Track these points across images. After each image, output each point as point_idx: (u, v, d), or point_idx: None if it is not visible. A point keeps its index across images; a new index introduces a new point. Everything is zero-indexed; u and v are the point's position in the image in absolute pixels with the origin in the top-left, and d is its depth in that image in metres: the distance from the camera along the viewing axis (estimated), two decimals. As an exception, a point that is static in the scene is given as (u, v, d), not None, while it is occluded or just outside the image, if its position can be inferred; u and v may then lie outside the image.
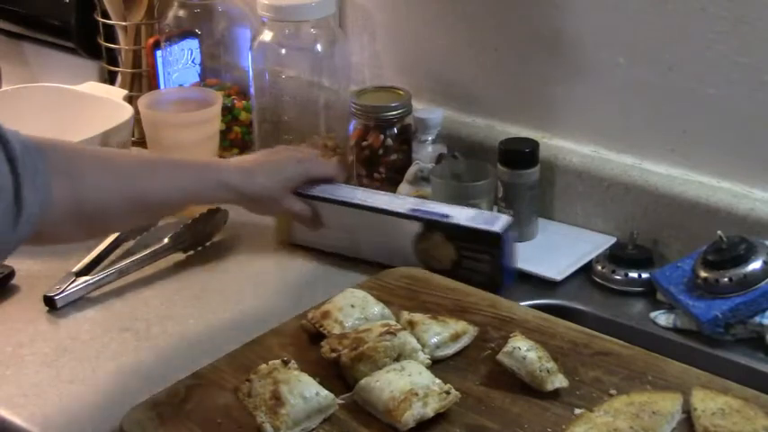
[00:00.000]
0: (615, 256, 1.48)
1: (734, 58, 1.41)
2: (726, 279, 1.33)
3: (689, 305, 1.35)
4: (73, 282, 1.45)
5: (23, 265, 1.52)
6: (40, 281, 1.49)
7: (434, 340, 1.25)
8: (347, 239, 1.50)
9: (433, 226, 1.43)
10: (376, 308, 1.31)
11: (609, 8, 1.50)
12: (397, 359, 1.21)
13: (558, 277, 1.47)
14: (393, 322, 1.27)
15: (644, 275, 1.45)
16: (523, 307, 1.36)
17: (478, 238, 1.41)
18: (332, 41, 1.69)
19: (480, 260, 1.42)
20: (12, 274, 1.49)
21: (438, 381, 1.17)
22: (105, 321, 1.41)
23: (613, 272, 1.46)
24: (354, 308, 1.29)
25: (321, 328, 1.28)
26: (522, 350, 1.19)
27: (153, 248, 1.52)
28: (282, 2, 1.64)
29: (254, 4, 1.69)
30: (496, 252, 1.41)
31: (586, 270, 1.49)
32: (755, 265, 1.33)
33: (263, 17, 1.67)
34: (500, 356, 1.20)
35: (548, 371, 1.18)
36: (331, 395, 1.16)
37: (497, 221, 1.42)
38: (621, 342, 1.27)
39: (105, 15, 1.85)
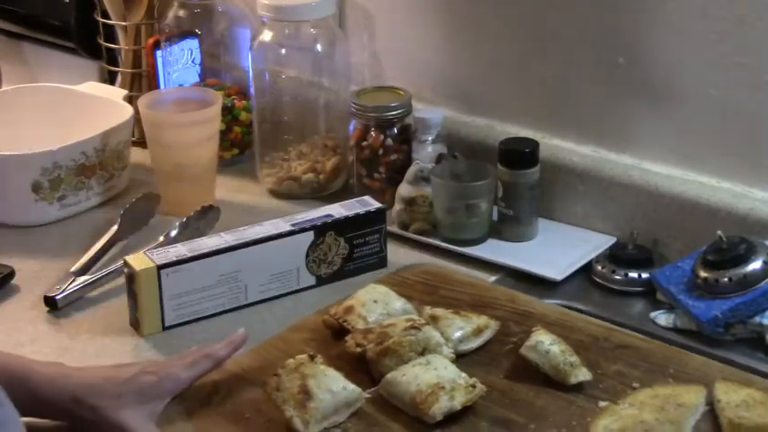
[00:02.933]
0: (615, 256, 1.48)
1: (734, 58, 1.41)
2: (726, 279, 1.33)
3: (689, 305, 1.35)
4: (72, 281, 1.45)
5: (23, 265, 1.52)
6: (40, 281, 1.49)
7: (458, 335, 1.27)
8: (229, 291, 1.41)
9: (326, 228, 1.45)
10: (398, 303, 1.33)
11: (609, 8, 1.50)
12: (422, 353, 1.23)
13: (558, 277, 1.47)
14: (417, 317, 1.29)
15: (644, 275, 1.45)
16: (542, 302, 1.38)
17: (368, 221, 1.47)
18: (332, 41, 1.69)
19: (371, 242, 1.48)
20: (12, 274, 1.49)
21: (464, 375, 1.19)
22: (105, 321, 1.41)
23: (613, 272, 1.46)
24: (377, 303, 1.32)
25: (345, 324, 1.30)
26: (546, 344, 1.21)
27: (148, 247, 1.52)
28: (282, 2, 1.64)
29: (254, 4, 1.69)
30: (383, 227, 1.48)
31: (586, 270, 1.49)
32: (755, 265, 1.33)
33: (263, 17, 1.67)
34: (523, 350, 1.22)
35: (571, 364, 1.20)
36: (358, 389, 1.18)
37: (368, 201, 1.49)
38: (640, 335, 1.30)
39: (105, 15, 1.85)
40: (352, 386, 1.17)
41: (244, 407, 1.19)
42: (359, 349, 1.24)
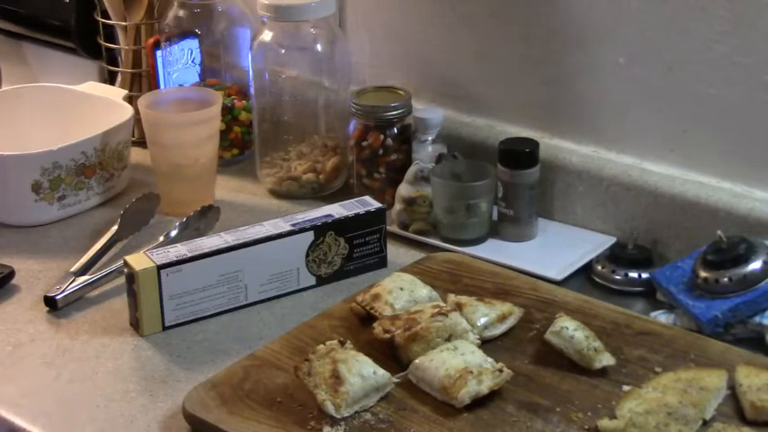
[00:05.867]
0: (615, 256, 1.48)
1: (734, 58, 1.41)
2: (726, 279, 1.33)
3: (689, 305, 1.35)
4: (72, 282, 1.45)
5: (23, 265, 1.52)
6: (40, 281, 1.49)
7: (482, 321, 1.30)
8: (229, 291, 1.40)
9: (326, 228, 1.45)
10: (424, 290, 1.35)
11: (609, 8, 1.49)
12: (448, 339, 1.25)
13: (558, 277, 1.47)
14: (443, 304, 1.31)
15: (644, 275, 1.45)
16: (563, 289, 1.41)
17: (368, 221, 1.48)
18: (332, 41, 1.69)
19: (371, 242, 1.48)
20: (12, 274, 1.49)
21: (490, 360, 1.22)
22: (105, 321, 1.41)
23: (613, 272, 1.46)
24: (403, 290, 1.34)
25: (372, 310, 1.32)
26: (570, 330, 1.24)
27: (148, 247, 1.52)
28: (282, 2, 1.64)
29: (254, 4, 1.69)
30: (383, 227, 1.49)
31: (586, 270, 1.49)
32: (755, 265, 1.33)
33: (263, 17, 1.67)
34: (548, 336, 1.25)
35: (595, 349, 1.23)
36: (387, 374, 1.20)
37: (368, 201, 1.50)
38: (661, 322, 1.32)
39: (105, 15, 1.85)
40: (381, 371, 1.20)
41: (275, 392, 1.22)
42: (387, 335, 1.26)
